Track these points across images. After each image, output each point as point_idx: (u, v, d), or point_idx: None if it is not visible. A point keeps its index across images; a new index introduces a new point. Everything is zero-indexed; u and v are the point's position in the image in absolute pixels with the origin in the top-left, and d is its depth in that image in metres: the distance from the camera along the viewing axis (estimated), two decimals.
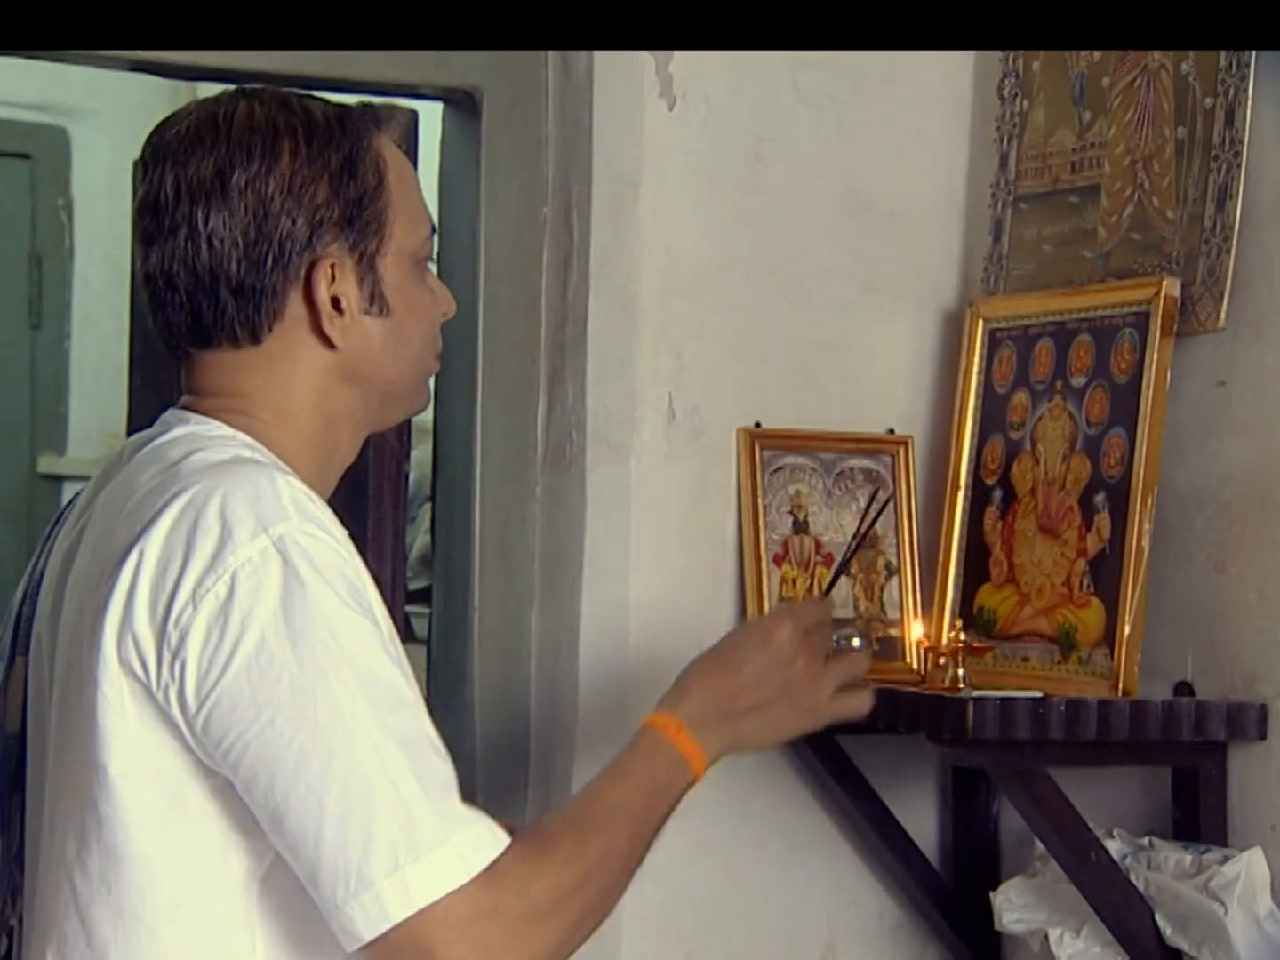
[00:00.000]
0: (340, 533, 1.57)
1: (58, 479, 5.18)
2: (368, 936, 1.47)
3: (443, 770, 1.51)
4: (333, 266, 1.65)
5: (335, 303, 1.66)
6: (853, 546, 2.06)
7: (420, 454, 3.15)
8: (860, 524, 2.35)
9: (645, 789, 1.64)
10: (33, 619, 1.72)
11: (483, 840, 1.50)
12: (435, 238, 1.76)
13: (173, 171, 1.64)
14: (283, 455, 1.64)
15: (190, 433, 1.65)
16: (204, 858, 1.55)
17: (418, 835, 1.47)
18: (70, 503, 1.78)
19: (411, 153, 2.63)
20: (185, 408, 1.69)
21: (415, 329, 1.71)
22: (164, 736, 1.53)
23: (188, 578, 1.50)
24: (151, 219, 1.65)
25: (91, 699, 1.54)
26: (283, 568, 1.50)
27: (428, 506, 3.14)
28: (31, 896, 1.66)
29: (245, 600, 1.49)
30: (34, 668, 1.70)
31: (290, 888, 1.54)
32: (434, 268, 1.78)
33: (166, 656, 1.51)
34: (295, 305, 1.65)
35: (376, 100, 2.94)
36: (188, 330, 1.66)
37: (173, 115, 1.69)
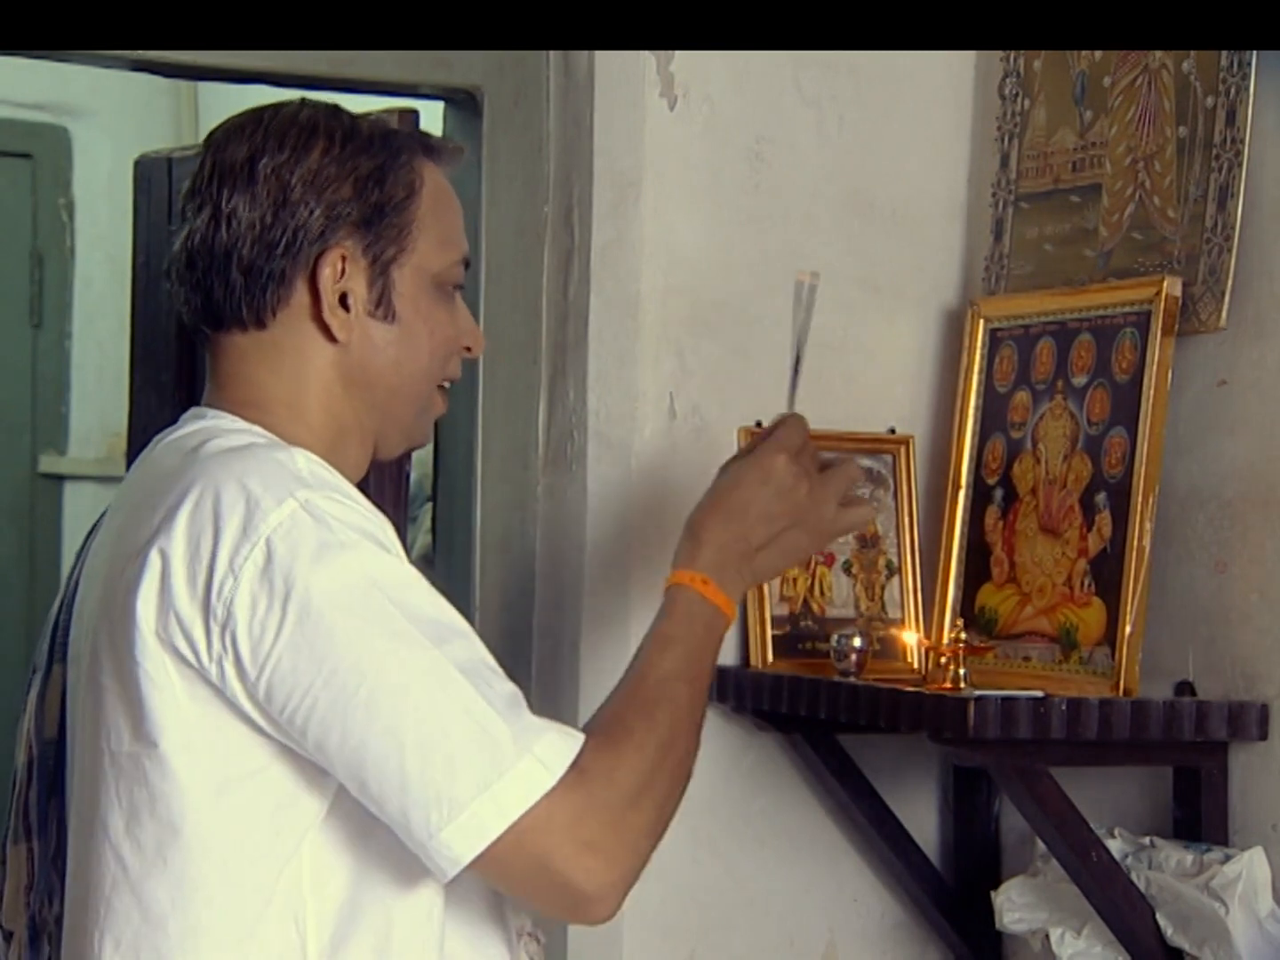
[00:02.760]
0: (365, 501, 1.59)
1: (59, 478, 5.18)
2: (468, 857, 1.51)
3: (507, 688, 1.56)
4: (343, 259, 1.68)
5: (343, 300, 1.68)
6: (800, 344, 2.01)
7: (421, 453, 3.15)
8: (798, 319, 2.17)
9: (691, 650, 1.69)
10: (69, 626, 1.73)
11: (560, 744, 1.54)
12: (466, 269, 1.77)
13: (211, 156, 1.70)
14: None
15: (207, 425, 1.69)
16: (259, 820, 1.58)
17: (499, 753, 1.51)
18: (106, 510, 1.81)
19: None
20: (207, 404, 1.72)
21: (423, 344, 1.73)
22: (217, 709, 1.56)
23: (222, 550, 1.53)
24: (188, 201, 1.71)
25: (133, 679, 1.56)
26: (314, 526, 1.53)
27: (429, 506, 3.14)
28: (72, 885, 1.68)
29: (284, 562, 1.52)
30: (71, 671, 1.72)
31: (342, 838, 1.58)
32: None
33: (215, 629, 1.53)
34: (301, 293, 1.68)
35: (387, 104, 2.95)
36: (200, 309, 1.70)
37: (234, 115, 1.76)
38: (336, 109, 1.73)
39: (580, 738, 1.57)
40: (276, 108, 1.71)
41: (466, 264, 1.78)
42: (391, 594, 1.54)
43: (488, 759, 1.51)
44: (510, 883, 1.56)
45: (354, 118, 1.73)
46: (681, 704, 1.64)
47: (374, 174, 1.69)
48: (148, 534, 1.58)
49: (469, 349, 1.79)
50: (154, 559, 1.56)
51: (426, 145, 1.75)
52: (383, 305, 1.70)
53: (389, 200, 1.69)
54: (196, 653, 1.54)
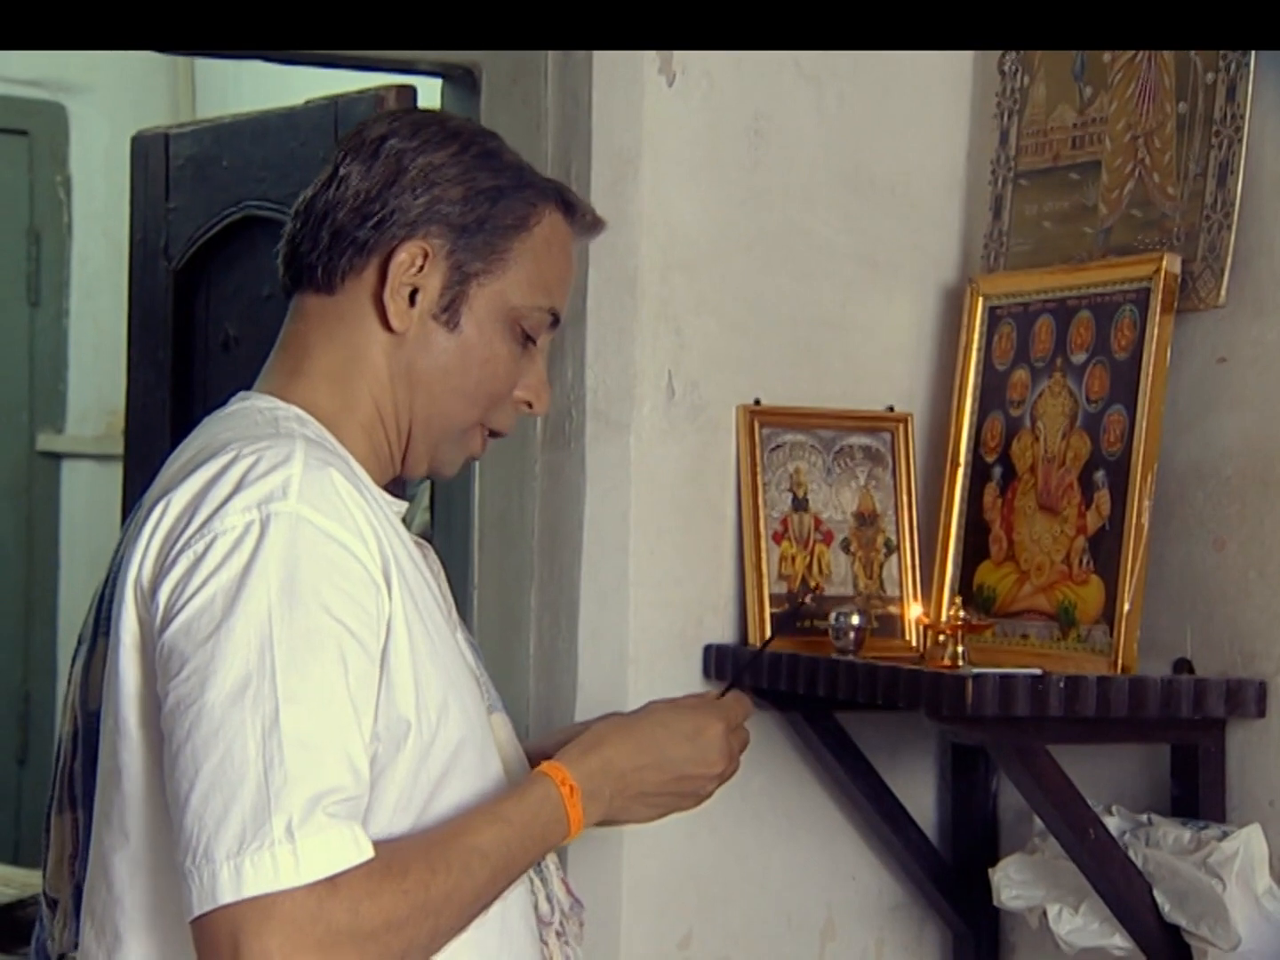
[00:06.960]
0: (361, 527, 1.56)
1: (56, 456, 5.18)
2: (196, 911, 1.47)
3: (332, 780, 1.49)
4: (425, 254, 1.69)
5: (413, 295, 1.69)
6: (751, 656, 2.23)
7: None
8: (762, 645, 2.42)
9: (517, 839, 1.60)
10: (113, 600, 1.74)
11: (335, 849, 1.47)
12: (553, 327, 1.76)
13: (359, 129, 1.75)
14: (333, 426, 1.67)
15: (246, 406, 1.69)
16: None
17: (268, 827, 1.46)
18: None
19: None
20: (262, 374, 1.73)
21: (474, 367, 1.72)
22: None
23: (190, 529, 1.55)
24: (324, 167, 1.75)
25: (116, 651, 1.58)
26: (256, 545, 1.52)
27: (427, 484, 3.14)
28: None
29: (210, 564, 1.52)
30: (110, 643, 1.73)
31: None
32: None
33: (151, 596, 1.55)
34: (372, 269, 1.69)
35: (385, 80, 2.94)
36: (286, 262, 1.73)
37: None
38: (493, 135, 1.76)
39: (365, 858, 1.48)
40: (443, 113, 1.72)
41: (555, 321, 1.76)
42: (280, 638, 1.50)
43: (254, 826, 1.46)
44: (204, 952, 1.49)
45: (504, 147, 1.75)
46: (472, 882, 1.56)
47: (490, 191, 1.70)
48: (154, 501, 1.60)
49: (530, 405, 1.77)
50: (149, 524, 1.57)
51: (565, 200, 1.76)
52: (449, 312, 1.70)
53: (493, 219, 1.70)
54: (148, 614, 1.56)
